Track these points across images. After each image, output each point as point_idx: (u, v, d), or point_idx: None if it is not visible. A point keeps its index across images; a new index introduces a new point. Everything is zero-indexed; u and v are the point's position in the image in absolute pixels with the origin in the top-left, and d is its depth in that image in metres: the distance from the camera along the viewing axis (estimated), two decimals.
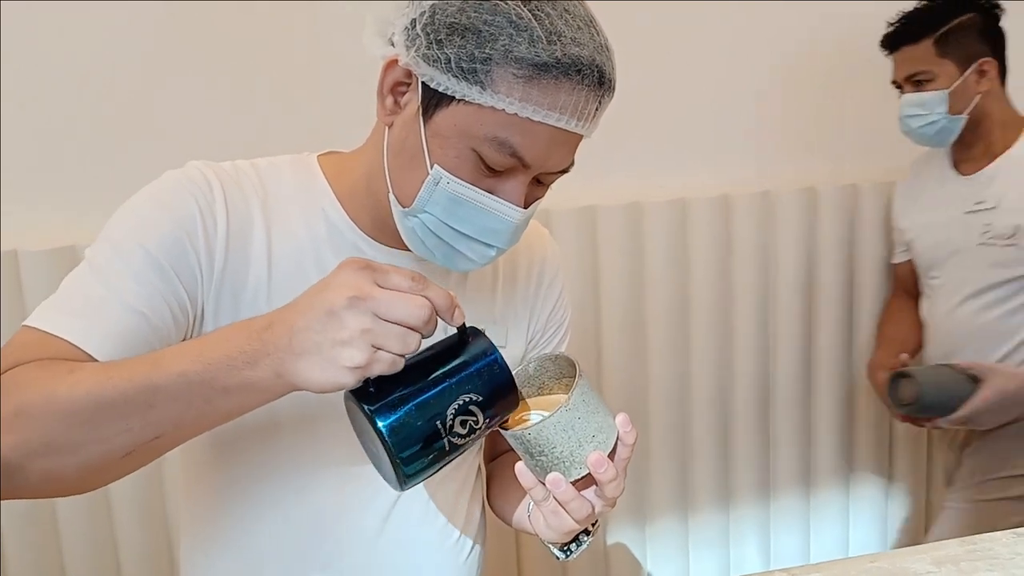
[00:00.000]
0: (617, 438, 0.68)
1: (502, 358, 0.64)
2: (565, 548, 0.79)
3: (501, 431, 0.68)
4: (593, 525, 0.77)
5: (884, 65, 1.44)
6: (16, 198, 1.28)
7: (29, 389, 0.59)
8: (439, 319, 0.59)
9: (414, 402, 0.60)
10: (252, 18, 1.34)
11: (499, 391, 0.63)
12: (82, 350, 0.65)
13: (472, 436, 0.62)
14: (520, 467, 0.68)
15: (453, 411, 0.61)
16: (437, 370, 0.62)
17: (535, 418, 0.68)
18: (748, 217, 1.59)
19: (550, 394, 0.75)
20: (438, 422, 0.60)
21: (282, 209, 0.78)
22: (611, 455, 0.67)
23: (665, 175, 1.60)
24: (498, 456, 0.98)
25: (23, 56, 1.25)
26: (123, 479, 1.32)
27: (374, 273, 0.57)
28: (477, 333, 0.65)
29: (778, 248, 1.62)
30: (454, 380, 0.61)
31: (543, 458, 0.66)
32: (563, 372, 0.74)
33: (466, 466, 0.90)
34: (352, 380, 0.56)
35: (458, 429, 0.61)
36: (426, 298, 0.57)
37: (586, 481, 0.69)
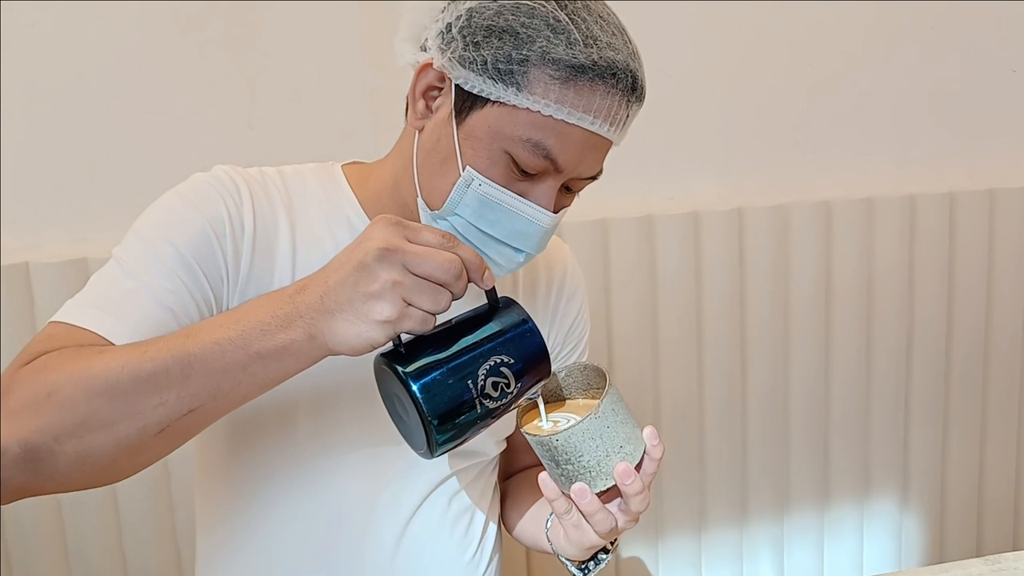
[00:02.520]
0: (644, 452, 0.67)
1: (534, 323, 0.64)
2: (583, 566, 0.78)
3: (527, 436, 0.67)
4: (612, 543, 0.76)
5: (895, 75, 1.43)
6: (26, 211, 1.28)
7: (61, 370, 0.59)
8: (470, 281, 0.59)
9: (446, 364, 0.60)
10: (261, 34, 1.34)
11: (531, 356, 0.63)
12: (110, 343, 0.64)
13: (503, 401, 0.62)
14: (544, 477, 0.68)
15: (484, 371, 0.61)
16: (468, 333, 0.62)
17: (563, 424, 0.67)
18: (761, 230, 1.58)
19: (576, 402, 0.74)
20: (469, 382, 0.60)
21: (307, 214, 0.79)
22: (637, 468, 0.66)
23: (677, 188, 1.59)
24: (513, 475, 0.97)
25: (31, 69, 1.25)
26: (131, 493, 1.31)
27: (405, 229, 0.57)
28: (509, 301, 0.65)
29: (792, 262, 1.61)
30: (486, 343, 0.62)
31: (568, 467, 0.65)
32: (591, 383, 0.73)
33: (482, 481, 0.89)
34: (383, 336, 0.56)
35: (489, 391, 0.61)
36: (457, 255, 0.57)
37: (609, 496, 0.68)
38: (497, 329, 0.63)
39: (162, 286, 0.68)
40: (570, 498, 0.67)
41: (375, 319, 0.55)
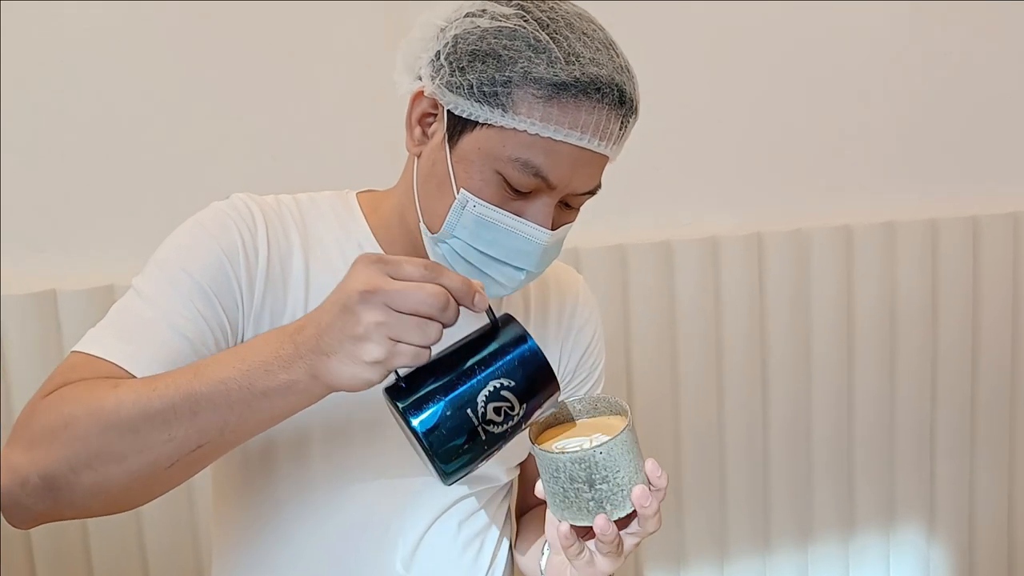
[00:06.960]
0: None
1: (534, 341, 0.63)
2: None
3: (548, 455, 0.65)
4: None
5: (915, 98, 1.43)
6: (54, 239, 1.31)
7: (76, 403, 0.61)
8: (462, 306, 0.59)
9: (444, 395, 0.59)
10: (282, 64, 1.37)
11: (533, 376, 0.62)
12: (129, 373, 0.66)
13: (510, 424, 0.61)
14: (555, 521, 0.67)
15: (484, 398, 0.60)
16: (467, 359, 0.61)
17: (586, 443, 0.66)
18: (781, 256, 1.57)
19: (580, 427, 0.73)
20: (469, 410, 0.59)
21: (320, 242, 0.81)
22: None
23: (695, 213, 1.59)
24: (530, 509, 0.97)
25: (63, 103, 1.29)
26: (155, 519, 1.32)
27: (386, 266, 0.57)
28: (508, 320, 0.65)
29: (812, 288, 1.60)
30: (484, 367, 0.61)
31: (602, 485, 0.64)
32: (593, 410, 0.73)
33: (493, 507, 0.89)
34: (376, 376, 0.56)
35: (492, 416, 0.60)
36: (441, 285, 0.57)
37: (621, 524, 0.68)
38: (495, 351, 0.62)
39: (180, 315, 0.70)
40: (574, 530, 0.66)
41: (365, 360, 0.55)
